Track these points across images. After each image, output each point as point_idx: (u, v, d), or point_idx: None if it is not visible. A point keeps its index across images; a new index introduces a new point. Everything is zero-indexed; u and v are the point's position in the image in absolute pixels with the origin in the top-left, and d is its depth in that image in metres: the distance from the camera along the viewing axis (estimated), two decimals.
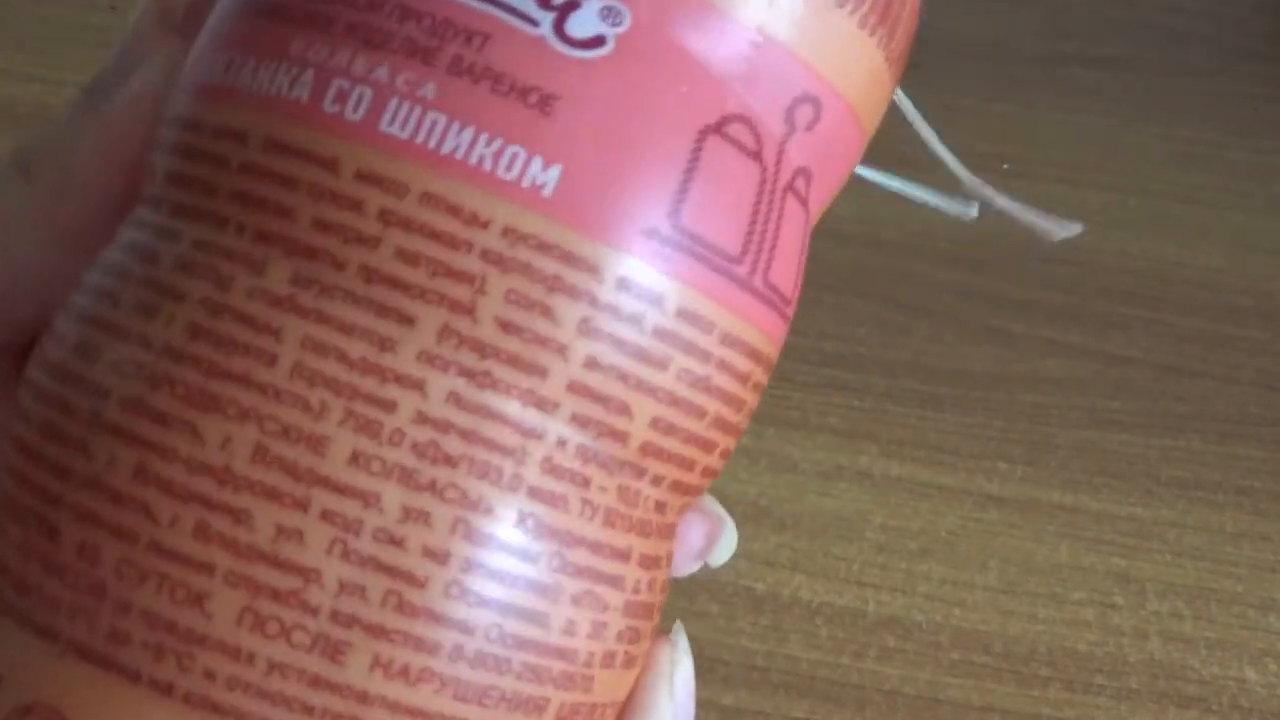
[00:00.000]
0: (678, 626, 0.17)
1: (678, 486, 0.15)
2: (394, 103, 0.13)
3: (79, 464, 0.14)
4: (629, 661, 0.15)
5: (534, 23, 0.14)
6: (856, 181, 0.18)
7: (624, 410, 0.14)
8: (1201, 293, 0.49)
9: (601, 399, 0.14)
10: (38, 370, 0.15)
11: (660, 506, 0.15)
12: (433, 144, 0.13)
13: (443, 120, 0.13)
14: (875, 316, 0.47)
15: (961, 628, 0.40)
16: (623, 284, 0.14)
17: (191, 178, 0.14)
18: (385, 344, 0.13)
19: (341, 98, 0.13)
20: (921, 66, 0.50)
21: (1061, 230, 0.21)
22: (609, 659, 0.15)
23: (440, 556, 0.13)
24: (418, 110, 0.13)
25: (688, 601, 0.36)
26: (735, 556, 0.40)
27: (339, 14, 0.14)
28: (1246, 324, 0.48)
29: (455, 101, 0.13)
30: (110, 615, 0.13)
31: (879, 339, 0.46)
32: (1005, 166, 0.52)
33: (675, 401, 0.14)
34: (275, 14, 0.14)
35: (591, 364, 0.14)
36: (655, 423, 0.14)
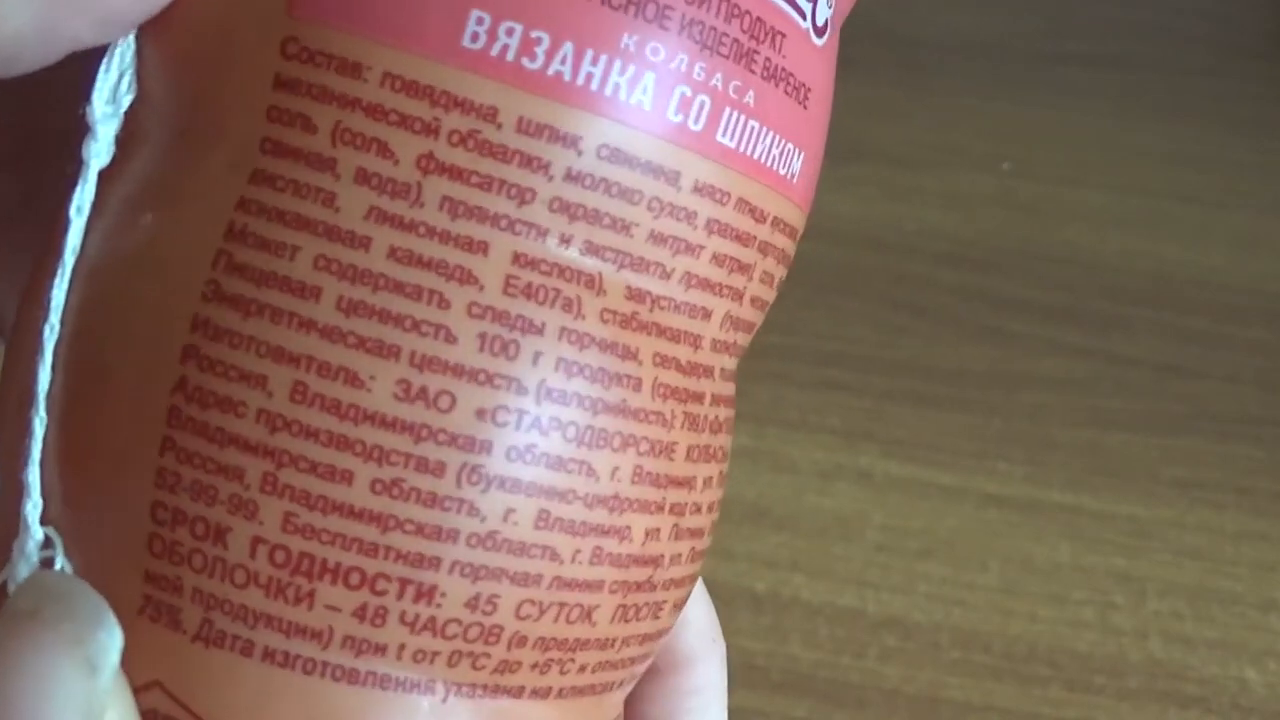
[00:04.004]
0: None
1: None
2: (727, 112, 0.13)
3: None
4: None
5: (804, 15, 0.14)
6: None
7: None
8: (1202, 292, 0.49)
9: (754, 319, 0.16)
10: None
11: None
12: (749, 150, 0.14)
13: (756, 125, 0.14)
14: (874, 316, 0.47)
15: (961, 628, 0.40)
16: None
17: (489, 178, 0.12)
18: (697, 343, 0.14)
19: (684, 106, 0.13)
20: (922, 67, 0.50)
21: None
22: None
23: None
24: (742, 118, 0.13)
25: None
26: (735, 557, 0.40)
27: (674, 5, 0.13)
28: (1247, 323, 0.48)
29: (765, 107, 0.14)
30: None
31: (878, 339, 0.46)
32: (1005, 166, 0.52)
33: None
34: None
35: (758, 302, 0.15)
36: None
